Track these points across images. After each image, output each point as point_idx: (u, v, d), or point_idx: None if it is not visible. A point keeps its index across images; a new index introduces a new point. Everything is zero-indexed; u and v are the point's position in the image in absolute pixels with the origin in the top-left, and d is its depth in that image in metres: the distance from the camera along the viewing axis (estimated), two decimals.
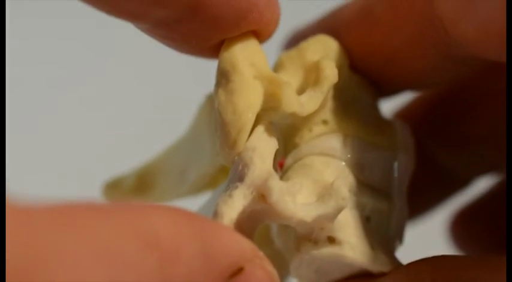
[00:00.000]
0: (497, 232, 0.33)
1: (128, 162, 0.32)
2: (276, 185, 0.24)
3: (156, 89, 0.65)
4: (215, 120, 0.25)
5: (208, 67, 0.27)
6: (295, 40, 0.29)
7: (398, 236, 0.27)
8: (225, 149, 0.25)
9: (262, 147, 0.24)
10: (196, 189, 0.30)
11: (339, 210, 0.24)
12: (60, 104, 0.66)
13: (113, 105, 0.66)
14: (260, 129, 0.25)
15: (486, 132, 0.31)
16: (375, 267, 0.26)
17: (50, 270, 0.17)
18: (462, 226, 0.34)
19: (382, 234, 0.27)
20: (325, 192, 0.24)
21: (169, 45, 0.26)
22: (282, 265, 0.27)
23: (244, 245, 0.22)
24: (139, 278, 0.19)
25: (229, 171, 0.27)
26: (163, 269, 0.19)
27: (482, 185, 0.35)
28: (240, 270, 0.22)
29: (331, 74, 0.26)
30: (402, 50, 0.26)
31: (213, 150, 0.27)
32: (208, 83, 0.27)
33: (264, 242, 0.29)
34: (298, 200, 0.25)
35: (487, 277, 0.23)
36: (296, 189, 0.25)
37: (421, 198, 0.30)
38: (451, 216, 0.35)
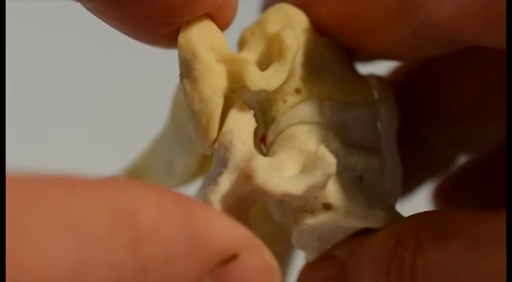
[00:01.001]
0: (480, 197, 0.33)
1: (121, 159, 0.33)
2: (260, 164, 0.23)
3: (148, 86, 0.65)
4: (185, 112, 0.25)
5: None
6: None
7: (395, 190, 0.27)
8: (199, 138, 0.25)
9: (239, 129, 0.24)
10: (186, 178, 0.30)
11: (327, 177, 0.24)
12: (54, 103, 0.67)
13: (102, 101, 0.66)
14: (234, 111, 0.25)
15: (469, 108, 0.31)
16: (374, 225, 0.26)
17: (15, 243, 0.17)
18: (445, 193, 0.34)
19: (378, 190, 0.26)
20: (311, 162, 0.24)
21: (121, 30, 0.25)
22: (286, 239, 0.27)
23: (239, 232, 0.21)
24: (109, 255, 0.18)
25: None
26: (136, 248, 0.19)
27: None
28: (233, 258, 0.21)
29: (292, 43, 0.25)
30: (378, 23, 0.26)
31: (192, 140, 0.27)
32: None
33: (265, 218, 0.29)
34: (285, 173, 0.24)
35: (474, 226, 0.23)
36: (280, 164, 0.25)
37: (406, 178, 0.30)
38: (435, 185, 0.34)
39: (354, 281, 0.26)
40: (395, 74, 0.32)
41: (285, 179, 0.24)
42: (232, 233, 0.21)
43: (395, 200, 0.27)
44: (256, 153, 0.24)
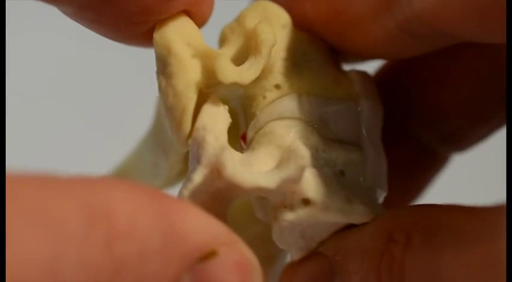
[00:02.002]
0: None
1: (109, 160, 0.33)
2: (229, 158, 0.23)
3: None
4: (162, 107, 0.25)
5: None
6: None
7: (378, 184, 0.27)
8: (174, 133, 0.25)
9: (212, 124, 0.24)
10: (172, 179, 0.30)
11: (301, 170, 0.23)
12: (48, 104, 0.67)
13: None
14: (207, 106, 0.24)
15: (459, 105, 0.30)
16: (355, 220, 0.25)
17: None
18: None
19: (360, 185, 0.26)
20: (284, 156, 0.24)
21: (99, 32, 0.25)
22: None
23: (217, 227, 0.21)
24: (84, 253, 0.18)
25: None
26: (110, 246, 0.18)
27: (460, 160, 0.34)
28: (212, 254, 0.20)
29: (267, 37, 0.25)
30: (362, 17, 0.26)
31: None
32: None
33: (254, 219, 0.28)
34: (261, 169, 0.24)
35: (460, 221, 0.23)
36: (253, 159, 0.24)
37: (400, 177, 0.29)
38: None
39: (340, 278, 0.25)
40: (383, 72, 0.31)
41: (257, 173, 0.23)
42: (210, 228, 0.20)
43: (379, 195, 0.27)
44: (228, 147, 0.24)
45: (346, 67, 0.29)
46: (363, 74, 0.28)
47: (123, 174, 0.31)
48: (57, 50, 0.68)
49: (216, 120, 0.24)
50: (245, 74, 0.25)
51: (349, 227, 0.26)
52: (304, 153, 0.23)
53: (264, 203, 0.26)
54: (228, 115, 0.25)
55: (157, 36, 0.25)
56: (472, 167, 0.34)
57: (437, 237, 0.23)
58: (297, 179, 0.24)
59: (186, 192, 0.23)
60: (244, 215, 0.30)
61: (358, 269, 0.25)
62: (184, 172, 0.30)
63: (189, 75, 0.24)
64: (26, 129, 0.61)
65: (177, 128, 0.24)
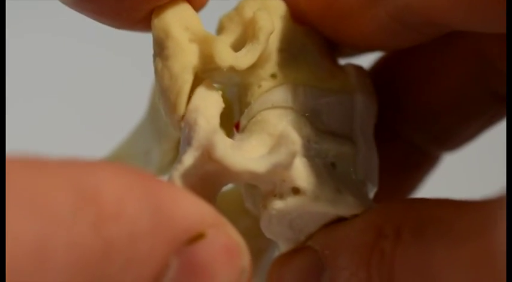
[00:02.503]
0: None
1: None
2: (220, 140, 0.23)
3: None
4: (157, 90, 0.25)
5: None
6: None
7: (369, 179, 0.27)
8: (168, 115, 0.25)
9: (204, 107, 0.24)
10: (164, 167, 0.30)
11: (291, 156, 0.23)
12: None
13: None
14: (200, 89, 0.24)
15: (449, 104, 0.30)
16: (344, 211, 0.25)
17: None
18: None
19: (350, 178, 0.26)
20: (276, 142, 0.24)
21: (99, 20, 0.25)
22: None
23: (204, 210, 0.21)
24: (71, 235, 0.18)
25: None
26: (99, 227, 0.18)
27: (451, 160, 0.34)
28: (200, 237, 0.20)
29: (265, 24, 0.25)
30: (353, 8, 0.26)
31: (167, 125, 0.27)
32: None
33: (245, 212, 0.28)
34: (253, 155, 0.24)
35: (451, 216, 0.23)
36: (244, 144, 0.24)
37: (392, 177, 0.29)
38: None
39: (329, 273, 0.25)
40: (374, 70, 0.31)
41: (247, 158, 0.23)
42: (198, 210, 0.20)
43: (370, 190, 0.27)
44: (219, 130, 0.24)
45: (342, 62, 0.29)
46: (359, 68, 0.28)
47: (116, 160, 0.31)
48: (56, 48, 0.69)
49: (208, 103, 0.24)
50: (242, 58, 0.25)
51: (338, 221, 0.25)
52: (295, 139, 0.23)
53: (254, 191, 0.26)
54: (221, 99, 0.25)
55: (155, 20, 0.25)
56: (461, 165, 0.34)
57: (428, 232, 0.23)
58: (287, 165, 0.24)
59: (176, 174, 0.23)
60: (233, 208, 0.30)
61: (347, 264, 0.25)
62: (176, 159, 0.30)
63: (185, 58, 0.24)
64: (19, 122, 0.61)
65: (171, 110, 0.24)
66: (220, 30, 0.27)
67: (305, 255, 0.26)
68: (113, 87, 0.67)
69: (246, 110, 0.26)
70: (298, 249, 0.26)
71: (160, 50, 0.24)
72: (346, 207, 0.25)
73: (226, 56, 0.24)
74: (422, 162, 0.33)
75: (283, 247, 0.27)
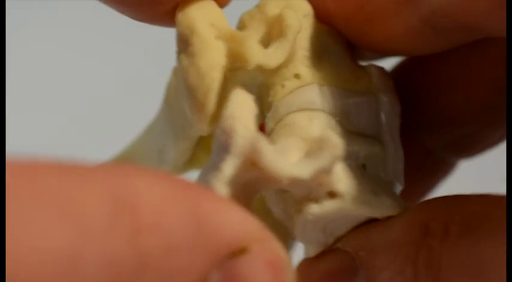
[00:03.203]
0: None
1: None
2: (266, 148, 0.22)
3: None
4: (182, 88, 0.24)
5: None
6: None
7: (397, 179, 0.26)
8: (195, 113, 0.24)
9: (240, 113, 0.23)
10: (178, 166, 0.29)
11: (334, 160, 0.23)
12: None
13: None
14: (234, 95, 0.23)
15: (472, 111, 0.30)
16: (383, 213, 0.25)
17: (7, 231, 0.16)
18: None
19: (381, 179, 0.26)
20: (316, 146, 0.23)
21: (122, 11, 0.25)
22: (284, 235, 0.26)
23: (250, 223, 0.19)
24: (107, 246, 0.17)
25: (210, 145, 0.26)
26: (135, 239, 0.17)
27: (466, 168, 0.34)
28: (243, 251, 0.19)
29: (293, 22, 0.25)
30: (385, 9, 0.25)
31: (186, 122, 0.26)
32: None
33: (261, 214, 0.28)
34: (291, 160, 0.23)
35: (499, 212, 0.23)
36: (285, 149, 0.24)
37: (405, 185, 0.28)
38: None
39: (365, 274, 0.25)
40: (396, 72, 0.31)
41: (291, 164, 0.23)
42: (242, 224, 0.19)
43: (398, 190, 0.26)
44: (260, 137, 0.23)
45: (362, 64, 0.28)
46: (382, 70, 0.27)
47: (126, 159, 0.30)
48: (57, 47, 0.68)
49: (244, 109, 0.23)
50: (272, 56, 0.24)
51: (369, 222, 0.25)
52: (337, 142, 0.22)
53: (284, 196, 0.25)
54: (255, 105, 0.24)
55: (180, 15, 0.24)
56: (461, 165, 0.34)
57: (476, 229, 0.23)
58: (329, 169, 0.23)
59: (219, 183, 0.22)
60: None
61: (388, 264, 0.24)
62: (193, 160, 0.29)
63: (213, 56, 0.23)
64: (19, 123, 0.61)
65: (199, 108, 0.23)
66: (241, 28, 0.26)
67: (336, 257, 0.26)
68: (117, 87, 0.67)
69: (270, 112, 0.26)
70: (327, 252, 0.26)
71: (185, 47, 0.24)
72: (384, 209, 0.25)
73: (257, 55, 0.24)
74: (437, 169, 0.32)
75: (311, 251, 0.26)
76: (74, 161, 0.18)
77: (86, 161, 0.18)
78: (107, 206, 0.17)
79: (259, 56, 0.24)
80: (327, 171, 0.23)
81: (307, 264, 0.26)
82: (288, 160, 0.23)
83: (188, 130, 0.26)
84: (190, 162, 0.29)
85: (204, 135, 0.25)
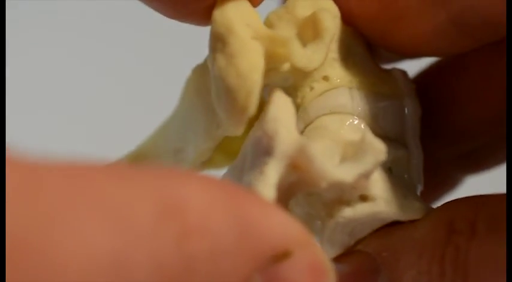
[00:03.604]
0: None
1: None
2: (314, 151, 0.22)
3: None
4: (216, 89, 0.23)
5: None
6: None
7: (419, 182, 0.27)
8: (234, 115, 0.23)
9: (282, 116, 0.23)
10: (196, 166, 0.29)
11: (377, 164, 0.23)
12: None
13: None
14: (275, 97, 0.23)
15: (485, 124, 0.30)
16: (411, 216, 0.25)
17: (50, 235, 0.16)
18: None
19: (406, 182, 0.26)
20: (356, 149, 0.23)
21: (156, 8, 0.24)
22: None
23: (293, 227, 0.19)
24: (154, 249, 0.17)
25: (227, 145, 0.26)
26: (183, 242, 0.17)
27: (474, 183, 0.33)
28: (286, 255, 0.19)
29: (330, 25, 0.25)
30: (412, 8, 0.25)
31: (210, 123, 0.26)
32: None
33: None
34: (333, 163, 0.23)
35: None
36: (331, 153, 0.23)
37: None
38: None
39: (388, 275, 0.25)
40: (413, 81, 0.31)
41: (336, 167, 0.22)
42: (286, 228, 0.19)
43: (419, 192, 0.27)
44: (306, 140, 0.23)
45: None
46: (405, 73, 0.28)
47: (138, 158, 0.29)
48: (59, 45, 0.68)
49: (285, 112, 0.23)
50: (312, 58, 0.24)
51: (390, 224, 0.25)
52: (381, 147, 0.23)
53: (311, 199, 0.25)
54: (294, 108, 0.24)
55: (217, 14, 0.24)
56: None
57: (503, 227, 0.23)
58: (370, 174, 0.23)
59: (262, 187, 0.21)
60: None
61: (413, 263, 0.24)
62: (213, 160, 0.28)
63: (253, 57, 0.23)
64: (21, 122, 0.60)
65: (240, 110, 0.23)
66: (268, 27, 0.26)
67: (357, 259, 0.26)
68: (116, 87, 0.67)
69: (299, 113, 0.26)
70: (348, 254, 0.26)
71: (223, 46, 0.23)
72: (414, 212, 0.25)
73: (302, 57, 0.24)
74: (444, 181, 0.33)
75: (330, 253, 0.26)
76: (120, 164, 0.18)
77: (133, 165, 0.18)
78: (154, 209, 0.17)
79: (303, 58, 0.24)
80: (367, 175, 0.23)
81: None
82: (332, 163, 0.23)
83: (214, 130, 0.26)
84: (210, 161, 0.29)
85: (236, 136, 0.24)
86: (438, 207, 0.26)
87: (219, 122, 0.25)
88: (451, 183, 0.33)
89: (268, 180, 0.22)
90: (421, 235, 0.25)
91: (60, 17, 0.69)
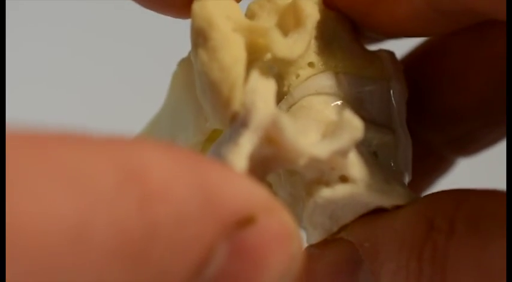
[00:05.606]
0: None
1: None
2: (287, 124, 0.22)
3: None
4: (200, 83, 0.24)
5: None
6: None
7: (407, 169, 0.27)
8: (219, 109, 0.23)
9: (261, 89, 0.22)
10: None
11: (353, 142, 0.23)
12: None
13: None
14: (255, 72, 0.23)
15: (476, 108, 0.30)
16: (393, 201, 0.25)
17: (12, 203, 0.15)
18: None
19: (391, 168, 0.26)
20: (335, 127, 0.23)
21: (137, 1, 0.24)
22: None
23: (258, 193, 0.19)
24: (115, 215, 0.16)
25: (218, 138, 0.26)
26: (144, 208, 0.17)
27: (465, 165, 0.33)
28: (251, 221, 0.19)
29: (312, 12, 0.25)
30: None
31: (199, 117, 0.26)
32: None
33: None
34: (308, 140, 0.23)
35: (505, 208, 0.22)
36: (304, 129, 0.23)
37: None
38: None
39: (367, 266, 0.25)
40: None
41: (310, 143, 0.22)
42: (249, 193, 0.19)
43: (407, 181, 0.26)
44: (281, 113, 0.22)
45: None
46: (392, 54, 0.27)
47: None
48: (58, 42, 0.68)
49: (265, 86, 0.23)
50: (294, 48, 0.24)
51: (375, 212, 0.25)
52: (358, 124, 0.22)
53: (293, 179, 0.25)
54: (275, 83, 0.23)
55: (196, 7, 0.23)
56: (461, 164, 0.33)
57: (483, 225, 0.22)
58: (347, 152, 0.23)
59: (233, 156, 0.21)
60: None
61: (392, 258, 0.24)
62: (203, 152, 0.28)
63: (235, 50, 0.23)
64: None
65: (224, 104, 0.23)
66: (250, 17, 0.26)
67: (339, 247, 0.25)
68: (115, 83, 0.67)
69: (285, 98, 0.26)
70: (331, 241, 0.26)
71: (204, 41, 0.23)
72: (395, 198, 0.25)
73: (283, 47, 0.23)
74: (436, 165, 0.32)
75: (314, 237, 0.26)
76: (82, 131, 0.17)
77: (94, 132, 0.18)
78: (115, 175, 0.17)
79: (285, 48, 0.24)
80: (344, 153, 0.23)
81: (310, 255, 0.26)
82: (307, 139, 0.23)
83: (202, 124, 0.26)
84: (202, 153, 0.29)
85: (225, 128, 0.24)
86: (421, 198, 0.25)
87: (207, 116, 0.25)
88: (444, 166, 0.32)
89: (240, 151, 0.21)
90: (401, 227, 0.24)
91: (58, 13, 0.69)
